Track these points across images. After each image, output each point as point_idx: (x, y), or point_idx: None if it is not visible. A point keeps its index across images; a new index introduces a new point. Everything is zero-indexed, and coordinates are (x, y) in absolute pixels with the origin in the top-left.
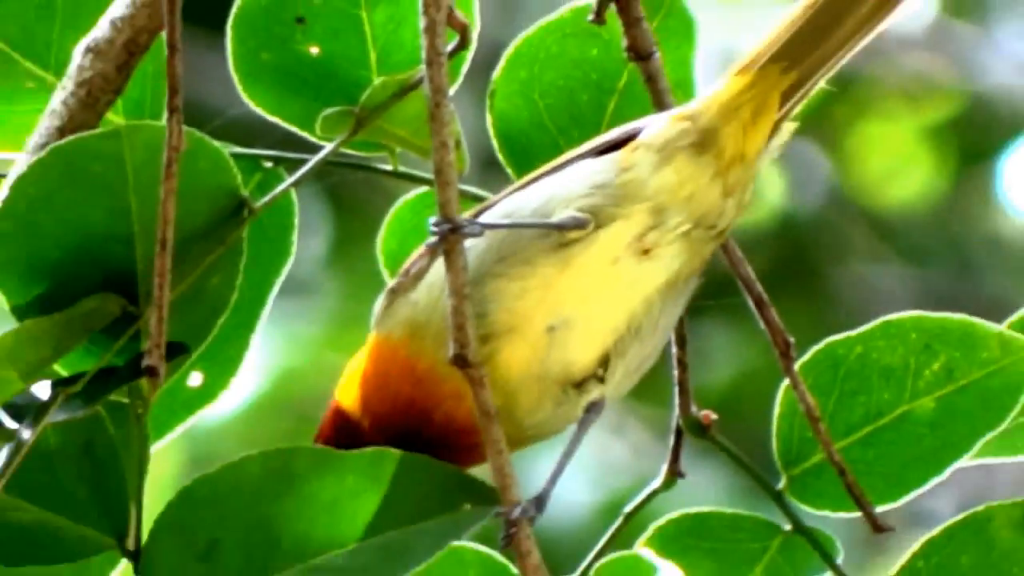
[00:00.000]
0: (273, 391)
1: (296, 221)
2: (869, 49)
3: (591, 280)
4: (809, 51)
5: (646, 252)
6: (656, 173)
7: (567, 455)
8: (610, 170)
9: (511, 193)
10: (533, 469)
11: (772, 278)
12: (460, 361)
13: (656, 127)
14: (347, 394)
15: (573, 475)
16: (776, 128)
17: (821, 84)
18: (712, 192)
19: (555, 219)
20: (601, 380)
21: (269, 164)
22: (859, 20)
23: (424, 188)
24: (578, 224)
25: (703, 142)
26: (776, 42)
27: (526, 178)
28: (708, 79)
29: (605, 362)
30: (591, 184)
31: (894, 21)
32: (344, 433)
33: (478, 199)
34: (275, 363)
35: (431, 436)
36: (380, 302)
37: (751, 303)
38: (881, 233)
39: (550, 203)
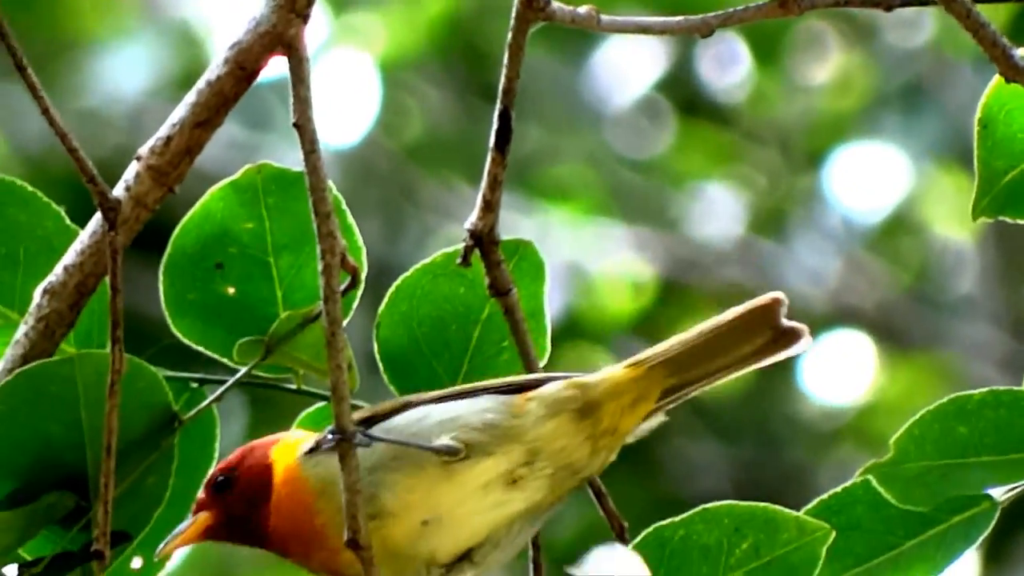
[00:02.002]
0: (198, 557)
1: (218, 432)
2: (691, 262)
3: (465, 494)
4: (692, 366)
5: (514, 483)
6: (539, 424)
7: None
8: (504, 412)
9: (418, 404)
10: None
11: None
12: (353, 544)
13: (552, 387)
14: (275, 479)
15: None
16: (649, 415)
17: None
18: (581, 450)
19: (435, 443)
20: (474, 563)
21: (195, 385)
22: (738, 357)
23: (322, 403)
24: (451, 451)
25: (586, 410)
26: (668, 353)
27: (435, 393)
28: (559, 292)
29: (471, 553)
30: (483, 420)
31: (770, 363)
32: (255, 497)
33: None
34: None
35: (307, 563)
36: (309, 442)
37: (592, 495)
38: (700, 415)
39: (442, 426)
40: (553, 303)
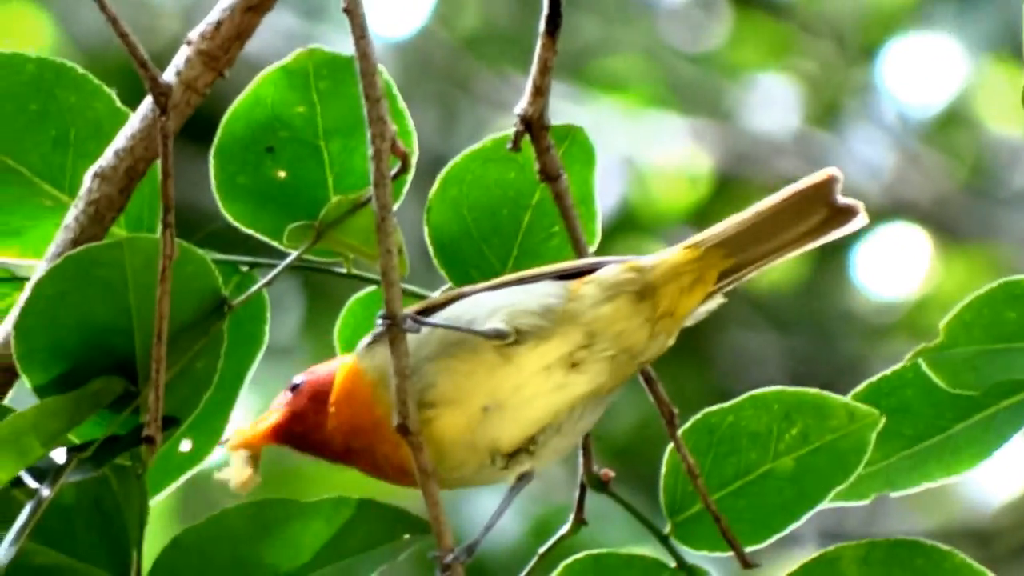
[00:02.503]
0: None
1: (268, 315)
2: (746, 154)
3: (525, 378)
4: (749, 247)
5: (575, 366)
6: (597, 307)
7: (498, 514)
8: (562, 295)
9: (472, 293)
10: (471, 505)
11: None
12: (402, 430)
13: (610, 270)
14: (335, 384)
15: (495, 501)
16: (707, 298)
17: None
18: (640, 333)
19: (484, 327)
20: (531, 454)
21: (245, 268)
22: (795, 236)
23: (373, 287)
24: (500, 335)
25: (644, 292)
26: (725, 233)
27: (495, 280)
28: (612, 186)
29: (531, 442)
30: (540, 304)
31: (827, 241)
32: (317, 408)
33: (418, 296)
34: (256, 413)
35: (372, 458)
36: (367, 338)
37: (642, 381)
38: (755, 307)
39: (495, 312)
40: (608, 196)
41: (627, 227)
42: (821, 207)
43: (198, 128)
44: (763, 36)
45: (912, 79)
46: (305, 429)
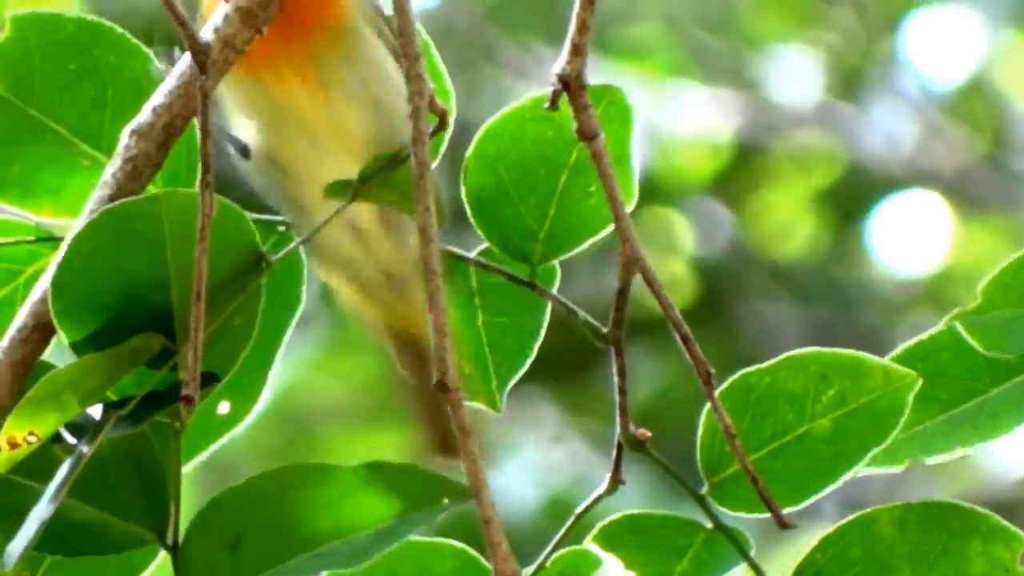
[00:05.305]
0: (275, 405)
1: (304, 274)
2: (767, 124)
3: None
4: None
5: None
6: None
7: None
8: None
9: None
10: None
11: (686, 314)
12: (442, 387)
13: None
14: None
15: (520, 475)
16: None
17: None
18: None
19: None
20: None
21: (282, 228)
22: None
23: None
24: None
25: None
26: None
27: None
28: (634, 155)
29: None
30: None
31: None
32: None
33: (454, 256)
34: (278, 382)
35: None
36: None
37: (679, 340)
38: (775, 277)
39: None
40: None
41: (650, 196)
42: None
43: None
44: (785, 6)
45: (934, 51)
46: None
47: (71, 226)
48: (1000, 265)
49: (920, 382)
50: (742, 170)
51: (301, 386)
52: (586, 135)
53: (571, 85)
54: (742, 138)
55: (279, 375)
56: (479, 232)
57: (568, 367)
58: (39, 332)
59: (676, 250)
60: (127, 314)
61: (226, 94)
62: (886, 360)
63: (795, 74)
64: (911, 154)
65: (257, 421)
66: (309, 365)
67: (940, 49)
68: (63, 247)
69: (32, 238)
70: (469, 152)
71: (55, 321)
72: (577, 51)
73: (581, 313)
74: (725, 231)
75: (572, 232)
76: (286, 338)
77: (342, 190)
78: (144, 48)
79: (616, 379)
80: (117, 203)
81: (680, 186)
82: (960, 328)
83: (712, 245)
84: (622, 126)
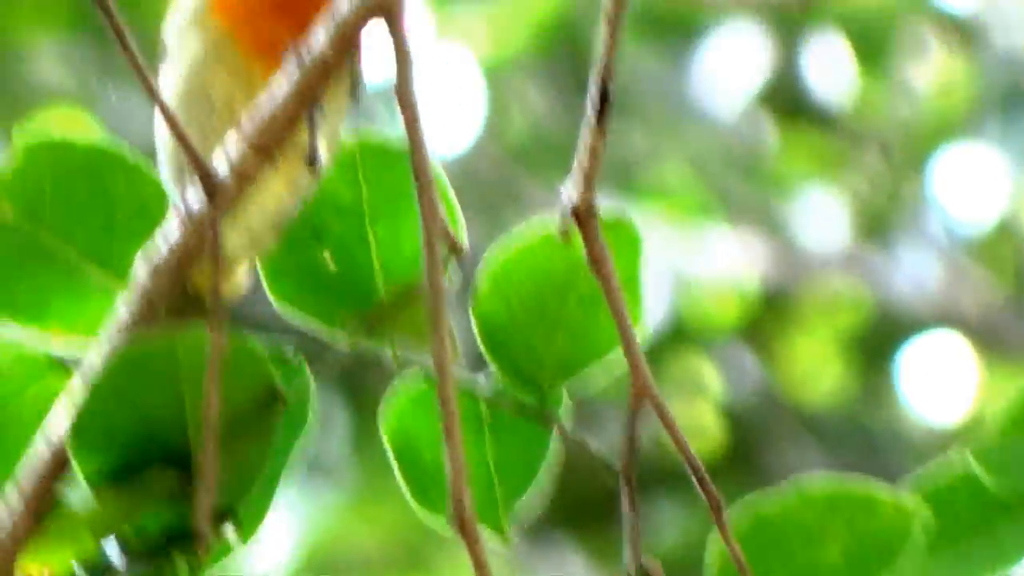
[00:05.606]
0: (308, 553)
1: (312, 397)
2: (794, 268)
3: None
4: None
5: None
6: None
7: None
8: None
9: None
10: None
11: (713, 459)
12: (460, 524)
13: None
14: None
15: None
16: None
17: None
18: None
19: None
20: None
21: (291, 354)
22: None
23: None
24: None
25: None
26: None
27: None
28: (662, 297)
29: None
30: None
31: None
32: None
33: (467, 390)
34: (310, 529)
35: None
36: None
37: (688, 468)
38: (803, 423)
39: None
40: (657, 308)
41: (677, 341)
42: None
43: None
44: (810, 148)
45: (960, 191)
46: None
47: (79, 346)
48: (1012, 398)
49: (928, 514)
50: (769, 314)
51: (332, 536)
52: (596, 263)
53: (581, 215)
54: (769, 282)
55: (311, 523)
56: (488, 359)
57: (594, 514)
58: (55, 465)
59: (704, 395)
60: (144, 450)
61: (180, 32)
62: (897, 491)
63: (821, 216)
64: (937, 296)
65: (290, 569)
66: (340, 513)
67: (965, 190)
68: (80, 388)
69: (43, 366)
70: (479, 284)
71: (72, 458)
72: (587, 180)
73: (593, 444)
74: (753, 376)
75: (580, 356)
76: (295, 455)
77: (356, 324)
78: (154, 175)
79: (627, 511)
80: (135, 345)
81: (707, 331)
82: (971, 460)
83: (740, 390)
84: (632, 254)
